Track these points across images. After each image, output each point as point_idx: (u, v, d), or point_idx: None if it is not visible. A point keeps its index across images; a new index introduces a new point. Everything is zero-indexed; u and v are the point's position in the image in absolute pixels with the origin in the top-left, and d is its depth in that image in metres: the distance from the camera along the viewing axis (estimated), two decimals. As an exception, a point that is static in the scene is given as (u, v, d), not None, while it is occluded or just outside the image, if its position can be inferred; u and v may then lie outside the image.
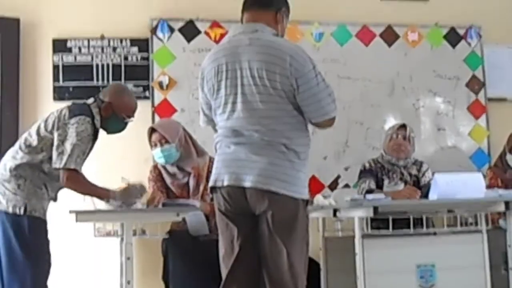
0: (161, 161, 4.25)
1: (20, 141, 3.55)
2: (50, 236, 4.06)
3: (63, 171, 3.39)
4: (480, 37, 5.60)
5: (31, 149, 3.48)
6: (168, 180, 4.34)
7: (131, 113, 3.74)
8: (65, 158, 3.36)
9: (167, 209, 3.86)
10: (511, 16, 5.69)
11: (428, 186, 4.23)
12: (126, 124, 3.74)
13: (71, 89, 4.87)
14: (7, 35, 4.78)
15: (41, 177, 3.48)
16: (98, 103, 3.62)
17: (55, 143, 3.41)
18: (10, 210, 3.36)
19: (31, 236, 3.37)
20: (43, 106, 4.83)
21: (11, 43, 4.79)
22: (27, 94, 4.82)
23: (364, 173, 4.57)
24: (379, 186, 4.45)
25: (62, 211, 4.21)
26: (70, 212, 3.55)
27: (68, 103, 4.68)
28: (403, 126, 4.62)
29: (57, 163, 3.38)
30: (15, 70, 4.78)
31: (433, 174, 4.28)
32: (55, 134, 3.43)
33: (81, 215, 3.54)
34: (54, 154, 3.39)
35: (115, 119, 3.66)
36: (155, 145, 4.22)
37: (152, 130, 4.26)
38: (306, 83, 2.72)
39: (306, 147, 2.81)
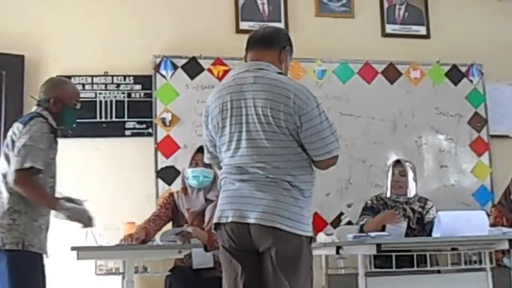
0: (195, 181, 4.27)
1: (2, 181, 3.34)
2: (50, 273, 4.02)
3: (15, 172, 3.18)
4: (482, 74, 5.63)
5: (4, 177, 3.31)
6: (184, 205, 4.32)
7: (78, 97, 3.61)
8: (19, 159, 3.18)
9: (169, 245, 3.85)
10: (512, 54, 5.74)
11: (432, 223, 4.22)
12: (78, 111, 3.60)
13: (74, 125, 4.88)
14: (11, 72, 4.81)
15: (34, 206, 3.29)
16: (43, 105, 3.47)
17: (13, 152, 3.26)
18: (7, 247, 3.18)
19: (27, 273, 3.23)
20: (46, 143, 4.83)
21: (15, 80, 4.81)
22: (30, 130, 4.82)
23: (365, 210, 4.58)
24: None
25: (63, 248, 4.20)
26: (72, 249, 3.53)
27: (71, 140, 4.74)
28: (398, 162, 4.64)
29: (11, 167, 3.21)
30: (19, 106, 4.78)
31: (436, 211, 4.26)
32: (15, 148, 3.27)
33: (82, 252, 3.53)
34: (11, 160, 3.24)
35: (68, 110, 3.52)
36: (197, 164, 4.25)
37: (199, 150, 4.23)
38: (309, 121, 2.73)
39: (310, 185, 2.80)
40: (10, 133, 3.36)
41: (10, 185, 3.22)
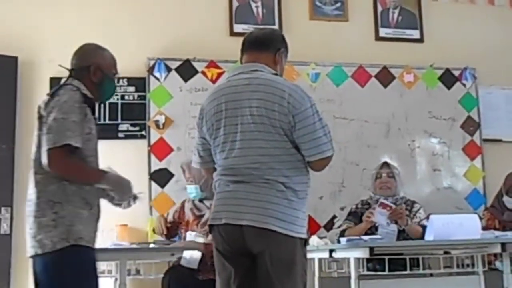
0: (192, 196, 4.44)
1: (31, 171, 2.87)
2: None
3: (48, 152, 2.73)
4: (475, 78, 5.65)
5: (39, 162, 2.81)
6: (189, 209, 4.45)
7: (116, 66, 3.16)
8: (50, 136, 2.74)
9: (162, 248, 3.85)
10: (505, 58, 5.76)
11: (425, 227, 4.24)
12: (115, 82, 3.18)
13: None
14: (5, 73, 4.80)
15: (77, 191, 2.81)
16: (78, 74, 3.01)
17: (43, 129, 2.82)
18: (58, 246, 2.71)
19: (79, 270, 2.77)
20: (39, 144, 4.83)
21: (9, 81, 4.80)
22: (24, 132, 4.80)
23: (349, 215, 4.62)
24: (370, 230, 4.44)
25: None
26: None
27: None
28: (385, 164, 4.65)
29: (45, 144, 2.75)
30: (12, 107, 4.78)
31: (428, 215, 4.26)
32: (43, 124, 2.85)
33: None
34: (42, 139, 2.80)
35: (108, 80, 3.06)
36: (187, 180, 4.44)
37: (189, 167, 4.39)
38: (303, 121, 2.73)
39: (305, 186, 2.81)
40: (36, 110, 2.95)
41: (42, 172, 2.78)
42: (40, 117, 2.87)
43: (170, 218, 4.49)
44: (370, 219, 4.31)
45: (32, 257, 2.81)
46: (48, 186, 2.78)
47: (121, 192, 3.01)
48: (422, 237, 4.26)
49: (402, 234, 4.40)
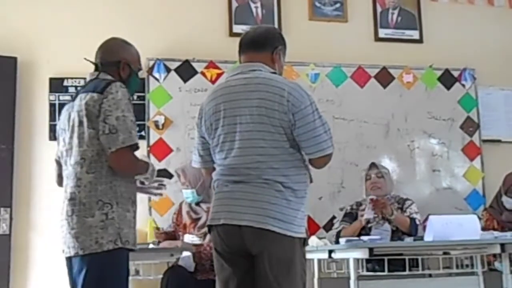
0: (189, 200, 4.42)
1: (72, 170, 2.82)
2: (45, 276, 4.03)
3: (120, 152, 2.72)
4: (475, 79, 5.64)
5: (90, 161, 2.77)
6: (186, 212, 4.45)
7: (140, 62, 3.19)
8: (115, 136, 2.72)
9: (161, 249, 3.85)
10: (505, 59, 5.76)
11: (413, 219, 4.34)
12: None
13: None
14: (4, 74, 4.80)
15: (125, 192, 2.83)
16: (107, 69, 2.98)
17: (102, 129, 2.74)
18: (105, 247, 2.70)
19: (122, 273, 2.79)
20: (39, 145, 4.83)
21: (8, 82, 4.80)
22: (23, 133, 4.82)
23: (345, 216, 4.67)
24: (363, 228, 4.45)
25: (55, 250, 4.18)
26: (63, 252, 3.52)
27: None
28: (373, 165, 4.67)
29: (112, 145, 2.72)
30: (11, 108, 4.78)
31: (427, 215, 4.27)
32: (100, 123, 2.76)
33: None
34: (104, 138, 2.73)
35: (134, 76, 3.06)
36: (182, 185, 4.42)
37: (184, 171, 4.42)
38: (303, 119, 2.73)
39: (304, 185, 2.80)
40: (77, 108, 2.83)
41: (93, 171, 2.76)
42: (88, 114, 2.78)
43: (168, 228, 4.49)
44: (364, 217, 4.36)
45: (71, 257, 2.80)
46: (98, 186, 2.76)
47: (152, 178, 3.02)
48: (411, 229, 4.30)
49: (396, 234, 4.41)
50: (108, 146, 2.73)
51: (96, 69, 3.00)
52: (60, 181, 3.03)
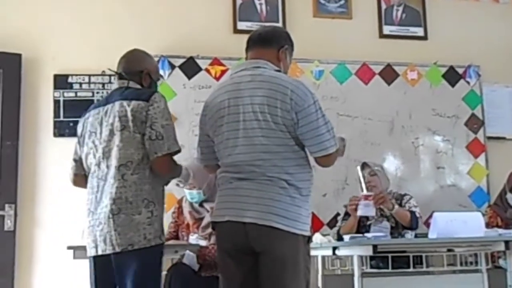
0: (194, 201, 4.35)
1: (117, 166, 2.93)
2: (49, 273, 4.02)
3: (165, 157, 2.92)
4: (479, 76, 5.63)
5: (137, 163, 2.93)
6: (188, 212, 4.39)
7: (159, 72, 3.37)
8: (162, 142, 2.90)
9: (165, 246, 3.85)
10: (509, 56, 5.75)
11: (413, 213, 4.35)
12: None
13: (71, 124, 4.87)
14: (9, 70, 4.81)
15: (162, 191, 3.06)
16: (132, 78, 3.12)
17: (148, 134, 2.91)
18: (153, 242, 2.90)
19: (161, 268, 3.02)
20: (43, 141, 4.84)
21: (12, 78, 4.81)
22: (27, 129, 4.83)
23: (346, 215, 4.63)
24: (363, 226, 4.45)
25: (59, 247, 4.20)
26: (68, 248, 3.52)
27: (68, 139, 4.74)
28: (364, 164, 4.66)
29: (158, 151, 2.90)
30: (16, 104, 4.79)
31: (432, 212, 4.27)
32: (146, 129, 2.92)
33: (79, 251, 3.51)
34: (151, 143, 2.90)
35: (154, 85, 3.22)
36: (189, 186, 4.33)
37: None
38: (306, 118, 2.73)
39: (308, 183, 2.80)
40: (118, 113, 2.96)
41: (137, 172, 2.92)
42: (134, 120, 2.94)
43: (168, 229, 4.43)
44: (355, 211, 4.31)
45: (110, 254, 2.90)
46: (142, 186, 2.93)
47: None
48: (411, 223, 4.30)
49: (396, 230, 4.41)
50: (154, 151, 2.91)
51: (120, 77, 3.15)
52: (77, 181, 3.18)
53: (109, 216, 2.89)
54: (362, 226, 4.44)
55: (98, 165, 3.00)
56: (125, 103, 2.97)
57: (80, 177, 3.14)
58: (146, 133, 2.91)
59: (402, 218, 4.38)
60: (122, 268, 2.90)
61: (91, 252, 2.99)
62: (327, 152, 2.80)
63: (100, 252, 2.94)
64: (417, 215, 4.43)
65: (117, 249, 2.88)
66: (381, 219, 4.46)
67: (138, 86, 3.10)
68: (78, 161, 3.14)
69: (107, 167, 2.96)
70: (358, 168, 4.42)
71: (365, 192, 4.26)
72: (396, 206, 4.38)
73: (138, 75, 3.13)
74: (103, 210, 2.93)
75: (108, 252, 2.91)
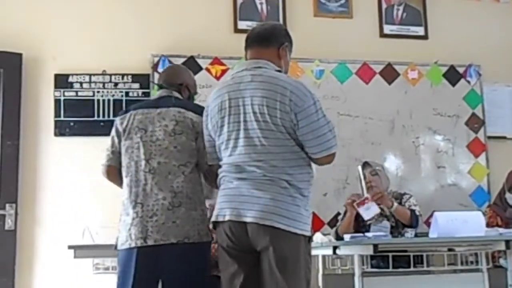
0: None
1: (176, 165, 3.07)
2: (50, 272, 4.01)
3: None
4: (480, 75, 5.63)
5: (193, 166, 3.10)
6: None
7: (197, 87, 3.49)
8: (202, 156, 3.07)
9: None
10: (510, 55, 5.74)
11: (413, 211, 4.37)
12: None
13: (72, 124, 4.88)
14: (9, 70, 4.81)
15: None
16: (174, 89, 3.28)
17: (203, 148, 3.06)
18: (204, 239, 3.04)
19: (209, 263, 3.12)
20: (44, 141, 4.84)
21: (13, 78, 4.81)
22: (28, 129, 4.83)
23: (345, 214, 4.62)
24: (363, 226, 4.45)
25: (60, 247, 4.21)
26: (69, 247, 3.53)
27: (69, 139, 4.76)
28: (366, 164, 4.66)
29: (203, 164, 3.10)
30: (17, 104, 4.79)
31: (432, 211, 4.27)
32: (199, 141, 3.08)
33: (79, 250, 3.53)
34: (204, 153, 3.05)
35: (192, 99, 3.39)
36: None
37: None
38: (306, 119, 2.73)
39: (308, 183, 2.80)
40: (175, 117, 3.10)
41: (191, 172, 3.08)
42: (188, 128, 3.10)
43: None
44: (351, 205, 4.33)
45: (161, 245, 2.95)
46: (197, 186, 3.11)
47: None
48: (411, 221, 4.30)
49: (396, 230, 4.42)
50: (206, 161, 3.05)
51: (160, 87, 3.32)
52: (110, 172, 3.22)
53: (168, 208, 2.98)
54: (362, 226, 4.44)
55: (148, 160, 3.07)
56: (183, 110, 3.13)
57: (114, 169, 3.20)
58: (201, 146, 3.05)
59: (402, 216, 4.38)
60: (174, 260, 2.96)
61: (136, 243, 2.98)
62: (330, 152, 2.79)
63: (151, 243, 2.96)
64: (417, 213, 4.42)
65: (173, 240, 2.95)
66: (381, 219, 4.46)
67: (179, 96, 3.26)
68: (116, 153, 3.20)
69: (158, 163, 3.05)
70: (359, 167, 4.41)
71: (365, 194, 4.26)
72: (396, 204, 4.38)
73: (177, 87, 3.29)
74: (159, 202, 3.00)
75: (161, 242, 2.95)
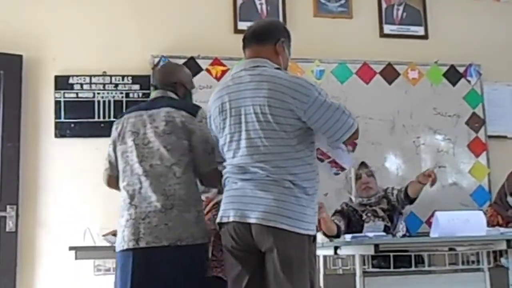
0: None
1: (168, 166, 3.04)
2: (51, 274, 4.00)
3: (214, 169, 3.06)
4: (480, 75, 5.63)
5: (186, 165, 3.06)
6: None
7: (193, 82, 3.46)
8: (213, 158, 3.05)
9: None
10: (511, 55, 5.74)
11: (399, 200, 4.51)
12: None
13: (72, 125, 4.89)
14: (10, 71, 4.82)
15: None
16: (169, 89, 3.27)
17: (204, 147, 3.06)
18: (199, 241, 2.99)
19: (204, 266, 3.09)
20: (44, 142, 4.85)
21: (13, 79, 4.81)
22: (28, 130, 4.83)
23: (338, 214, 4.65)
24: (356, 229, 4.45)
25: (61, 248, 4.21)
26: (70, 249, 3.53)
27: (69, 140, 4.75)
28: (363, 164, 4.66)
29: (212, 164, 3.06)
30: (17, 105, 4.80)
31: (433, 211, 4.26)
32: (194, 140, 3.06)
33: (80, 252, 3.53)
34: (206, 156, 3.07)
35: (189, 95, 3.37)
36: None
37: None
38: (317, 112, 2.72)
39: (313, 182, 2.79)
40: (166, 118, 3.07)
41: (188, 173, 3.05)
42: (183, 128, 3.06)
43: None
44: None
45: (161, 247, 2.93)
46: (191, 186, 3.07)
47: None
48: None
49: (389, 231, 4.42)
50: (208, 163, 3.06)
51: (156, 88, 3.33)
52: (111, 182, 3.25)
53: (161, 211, 2.96)
54: (355, 225, 4.46)
55: (140, 163, 3.06)
56: (172, 110, 3.09)
57: (114, 179, 3.21)
58: (198, 145, 3.06)
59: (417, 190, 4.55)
60: (166, 263, 2.93)
61: (128, 244, 2.98)
62: (352, 131, 2.79)
63: (143, 245, 2.95)
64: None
65: (165, 243, 2.92)
66: (375, 219, 4.48)
67: (175, 97, 3.24)
68: (114, 163, 3.21)
69: (151, 166, 3.03)
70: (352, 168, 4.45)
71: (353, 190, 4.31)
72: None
73: (172, 86, 3.27)
74: (152, 205, 2.98)
75: (153, 245, 2.93)
